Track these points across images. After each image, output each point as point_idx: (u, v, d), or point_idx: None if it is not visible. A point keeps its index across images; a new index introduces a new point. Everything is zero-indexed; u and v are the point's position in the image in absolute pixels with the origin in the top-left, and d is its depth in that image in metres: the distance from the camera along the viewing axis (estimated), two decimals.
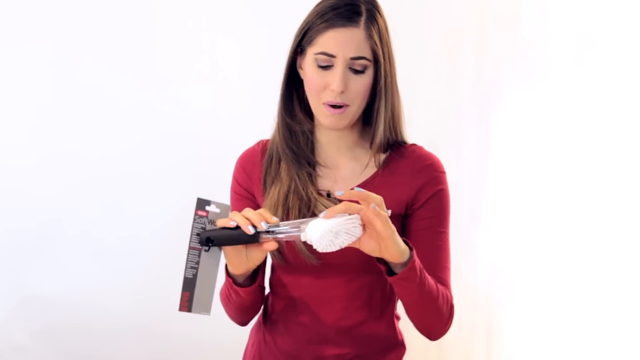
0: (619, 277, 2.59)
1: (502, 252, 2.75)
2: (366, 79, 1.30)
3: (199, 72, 2.62)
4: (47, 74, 2.52)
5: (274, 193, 1.36)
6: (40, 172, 2.53)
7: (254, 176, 1.42)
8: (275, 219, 1.19)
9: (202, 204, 1.21)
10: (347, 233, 1.15)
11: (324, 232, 1.14)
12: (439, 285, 1.32)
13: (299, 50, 1.34)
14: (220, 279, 1.32)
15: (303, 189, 1.35)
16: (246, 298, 1.31)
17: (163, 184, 2.60)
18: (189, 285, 1.26)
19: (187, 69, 2.61)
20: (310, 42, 1.30)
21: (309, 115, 1.39)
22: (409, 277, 1.22)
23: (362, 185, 1.36)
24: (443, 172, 1.39)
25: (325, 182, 1.38)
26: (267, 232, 1.19)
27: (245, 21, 2.62)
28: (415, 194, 1.36)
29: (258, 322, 1.49)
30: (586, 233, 2.63)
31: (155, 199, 2.60)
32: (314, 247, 1.15)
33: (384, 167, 1.38)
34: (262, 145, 1.45)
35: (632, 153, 2.58)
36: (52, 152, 2.54)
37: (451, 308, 1.35)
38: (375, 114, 1.35)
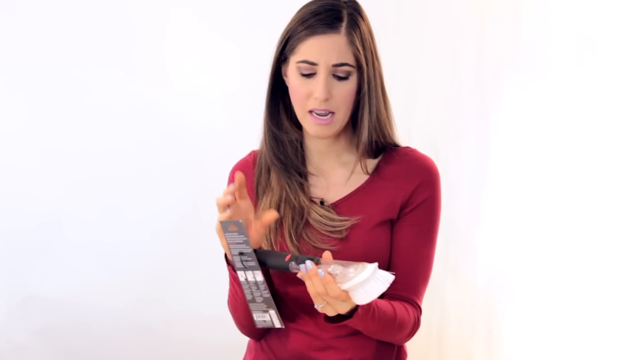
0: (618, 277, 2.59)
1: (502, 252, 2.75)
2: (350, 85, 1.29)
3: (199, 76, 2.62)
4: (48, 76, 2.52)
5: (266, 202, 1.36)
6: (40, 173, 2.53)
7: (247, 186, 1.40)
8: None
9: (225, 226, 1.20)
10: (373, 284, 1.15)
11: (357, 287, 1.14)
12: (399, 311, 1.30)
13: (282, 58, 1.33)
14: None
15: (295, 198, 1.35)
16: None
17: (163, 185, 2.61)
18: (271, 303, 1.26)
19: (187, 73, 2.61)
20: (292, 50, 1.29)
21: (296, 123, 1.37)
22: (351, 325, 1.24)
23: (354, 193, 1.36)
24: (437, 175, 1.37)
25: (317, 190, 1.38)
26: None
27: (246, 25, 2.62)
28: (409, 196, 1.34)
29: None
30: (586, 233, 2.63)
31: (156, 201, 2.60)
32: (354, 299, 1.15)
33: (375, 173, 1.37)
34: (254, 156, 1.44)
35: (632, 153, 2.58)
36: (52, 153, 2.54)
37: (414, 325, 1.35)
38: (359, 119, 1.33)
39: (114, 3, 2.56)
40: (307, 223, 1.33)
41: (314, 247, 1.32)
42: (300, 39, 1.27)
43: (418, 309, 1.36)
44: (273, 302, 1.24)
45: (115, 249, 2.58)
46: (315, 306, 1.18)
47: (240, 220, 1.17)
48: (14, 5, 2.49)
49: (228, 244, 1.20)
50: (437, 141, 2.64)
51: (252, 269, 1.21)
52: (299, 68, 1.28)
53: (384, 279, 1.14)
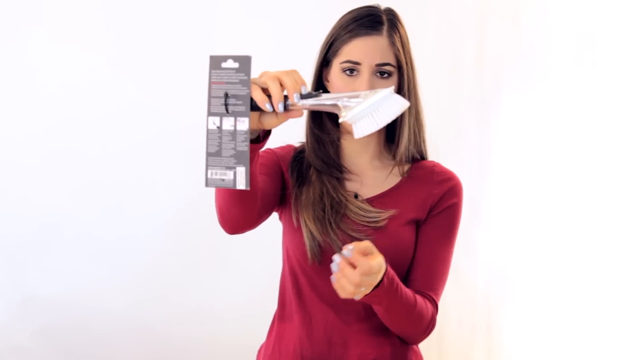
0: (618, 277, 2.59)
1: (502, 252, 2.76)
2: (391, 84, 1.34)
3: (199, 73, 2.62)
4: (48, 77, 2.52)
5: (308, 194, 1.40)
6: (40, 173, 2.53)
7: (284, 163, 1.45)
8: (305, 90, 1.05)
9: (217, 62, 1.02)
10: (384, 109, 1.09)
11: (363, 115, 1.07)
12: (419, 299, 1.33)
13: (324, 63, 1.39)
14: None
15: (334, 191, 1.40)
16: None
17: (163, 185, 2.60)
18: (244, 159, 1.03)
19: (187, 70, 2.61)
20: (335, 54, 1.35)
21: (336, 123, 1.43)
22: (374, 300, 1.24)
23: (388, 192, 1.41)
24: (462, 187, 1.48)
25: (352, 184, 1.43)
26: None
27: (248, 21, 2.62)
28: (438, 200, 1.42)
29: (274, 324, 1.49)
30: (586, 233, 2.63)
31: (155, 200, 2.60)
32: (355, 130, 1.09)
33: (407, 176, 1.43)
34: (292, 150, 1.47)
35: (632, 154, 2.58)
36: (52, 154, 2.54)
37: (430, 321, 1.37)
38: (399, 119, 1.38)
39: (114, 4, 2.56)
40: (344, 215, 1.38)
41: (350, 236, 1.36)
42: (344, 42, 1.33)
43: (435, 306, 1.39)
44: (248, 159, 1.03)
45: (114, 249, 2.58)
46: (355, 298, 1.18)
47: (249, 55, 1.02)
48: (14, 5, 2.49)
49: (212, 83, 1.05)
50: (437, 141, 2.63)
51: (237, 115, 1.02)
52: (342, 68, 1.33)
53: (402, 102, 1.09)
